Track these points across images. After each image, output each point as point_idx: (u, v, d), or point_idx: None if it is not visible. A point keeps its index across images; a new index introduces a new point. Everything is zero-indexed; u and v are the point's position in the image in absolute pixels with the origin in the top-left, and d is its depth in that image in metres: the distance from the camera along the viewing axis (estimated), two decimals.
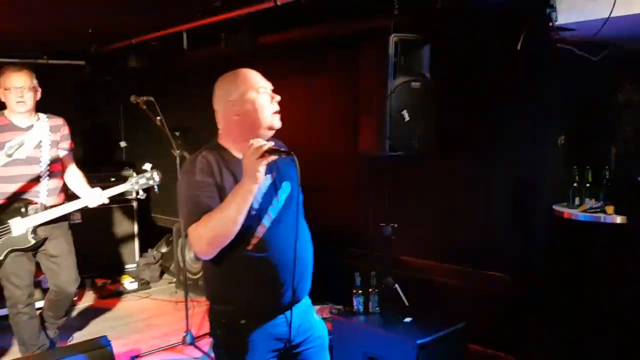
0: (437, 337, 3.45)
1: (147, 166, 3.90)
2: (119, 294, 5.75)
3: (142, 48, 5.95)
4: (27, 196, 3.70)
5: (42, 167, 3.74)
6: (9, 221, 3.64)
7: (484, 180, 3.95)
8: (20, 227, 3.63)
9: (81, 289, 5.70)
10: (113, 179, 5.38)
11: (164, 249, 6.44)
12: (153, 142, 4.58)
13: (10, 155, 3.05)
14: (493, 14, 3.47)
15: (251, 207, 2.04)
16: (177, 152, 4.28)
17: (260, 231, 2.10)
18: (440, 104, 3.85)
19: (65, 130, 3.94)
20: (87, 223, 6.05)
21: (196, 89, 6.10)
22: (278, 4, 4.16)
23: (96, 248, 6.14)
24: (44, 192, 3.77)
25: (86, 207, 3.81)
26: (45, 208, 3.72)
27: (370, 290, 3.87)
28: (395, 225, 4.21)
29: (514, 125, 3.75)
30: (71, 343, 4.30)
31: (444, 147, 3.95)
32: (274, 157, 1.98)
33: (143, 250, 6.44)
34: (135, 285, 5.87)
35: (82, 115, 7.24)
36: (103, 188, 3.87)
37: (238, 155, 2.13)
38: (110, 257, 6.29)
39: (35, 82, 3.78)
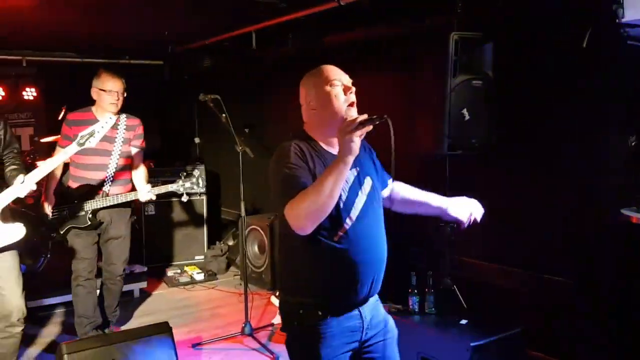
0: (492, 341, 3.38)
1: (196, 172, 4.22)
2: (187, 283, 5.97)
3: (215, 48, 6.18)
4: (95, 183, 4.13)
5: (112, 159, 4.15)
6: (74, 202, 4.10)
7: (547, 181, 3.82)
8: (81, 209, 4.09)
9: (152, 277, 6.03)
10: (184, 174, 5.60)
11: (230, 242, 6.65)
12: (224, 138, 4.76)
13: (81, 144, 3.31)
14: (558, 11, 3.37)
15: (339, 198, 2.07)
16: (240, 148, 4.42)
17: (347, 223, 2.12)
18: (502, 103, 3.77)
19: (140, 130, 4.32)
20: (160, 215, 6.40)
21: (264, 87, 6.29)
22: (342, 4, 4.21)
23: (167, 239, 6.46)
24: (109, 181, 4.17)
25: (137, 199, 4.22)
26: (106, 195, 4.12)
27: (426, 290, 3.85)
28: (455, 226, 4.16)
29: (579, 125, 3.60)
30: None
31: (505, 146, 3.85)
32: (368, 128, 1.97)
33: (211, 242, 6.66)
34: (202, 276, 6.07)
35: (160, 112, 7.61)
36: (165, 184, 4.27)
37: (324, 145, 2.22)
38: (180, 248, 6.53)
39: (124, 87, 4.22)
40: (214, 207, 6.99)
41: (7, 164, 3.32)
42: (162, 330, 3.45)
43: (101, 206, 4.10)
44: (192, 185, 4.18)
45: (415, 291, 3.83)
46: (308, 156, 2.14)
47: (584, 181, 3.61)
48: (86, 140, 3.30)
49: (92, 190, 4.12)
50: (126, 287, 5.38)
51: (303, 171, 2.09)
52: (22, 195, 3.19)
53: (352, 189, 2.18)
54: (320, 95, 2.21)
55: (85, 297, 4.23)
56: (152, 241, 6.35)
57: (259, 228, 5.74)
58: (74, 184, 4.17)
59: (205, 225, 6.60)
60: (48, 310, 5.09)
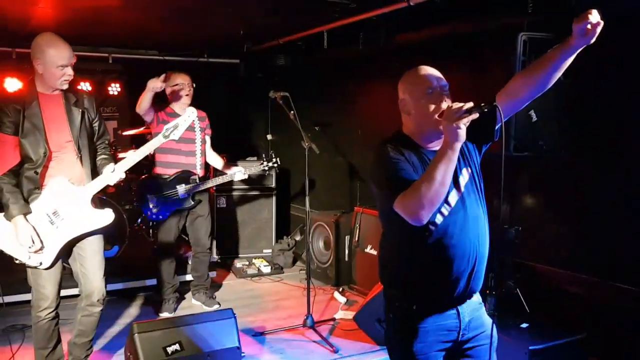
0: (552, 346, 3.35)
1: (271, 152, 5.02)
2: (254, 275, 6.16)
3: (289, 47, 6.33)
4: (188, 168, 4.78)
5: (196, 146, 4.82)
6: (176, 186, 4.72)
7: (618, 185, 3.69)
8: (184, 192, 4.73)
9: (221, 268, 6.29)
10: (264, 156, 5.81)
11: (297, 237, 6.79)
12: (294, 135, 4.91)
13: (166, 137, 3.56)
14: (631, 11, 3.26)
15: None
16: (307, 144, 4.54)
17: (438, 218, 2.10)
18: (572, 104, 3.68)
19: (207, 120, 4.98)
20: (230, 208, 6.64)
21: (336, 86, 6.39)
22: (411, 4, 4.24)
23: (237, 232, 6.69)
24: (199, 165, 4.85)
25: (231, 180, 4.95)
26: (201, 179, 4.81)
27: (487, 292, 3.82)
28: (520, 229, 4.10)
29: None
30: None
31: (574, 149, 3.75)
32: (475, 115, 1.94)
33: (279, 237, 6.85)
34: (269, 269, 6.25)
35: (235, 109, 7.86)
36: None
37: (422, 144, 2.22)
38: (249, 241, 6.75)
39: (191, 79, 4.81)
40: (284, 202, 7.15)
41: (98, 154, 3.54)
42: (227, 316, 3.61)
43: (200, 189, 4.76)
44: (273, 164, 4.94)
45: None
46: (406, 153, 2.15)
47: None
48: (171, 132, 3.53)
49: (187, 175, 4.74)
50: None
51: (407, 164, 2.11)
52: (112, 183, 3.38)
53: (464, 178, 2.17)
54: (414, 103, 2.20)
55: (169, 266, 4.90)
56: (223, 233, 6.59)
57: (324, 224, 5.85)
58: (169, 171, 4.75)
59: (274, 220, 6.78)
60: (127, 293, 5.43)
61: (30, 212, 3.23)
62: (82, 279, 3.45)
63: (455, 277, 2.14)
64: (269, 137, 7.85)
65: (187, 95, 4.72)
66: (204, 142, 4.90)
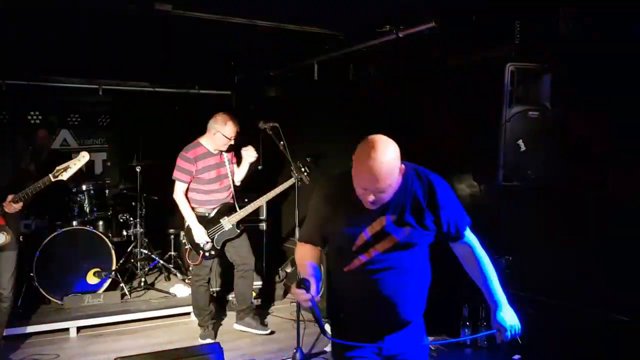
0: None
1: (299, 163, 4.87)
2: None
3: (280, 79, 6.38)
4: (226, 201, 4.95)
5: (229, 180, 4.97)
6: (220, 220, 4.85)
7: (607, 212, 3.67)
8: (228, 223, 4.86)
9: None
10: (246, 200, 5.74)
11: (288, 269, 6.70)
12: (286, 167, 4.93)
13: (56, 177, 3.90)
14: (617, 45, 3.30)
15: (355, 238, 2.21)
16: (296, 175, 4.53)
17: (354, 263, 2.24)
18: (560, 133, 3.70)
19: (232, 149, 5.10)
20: None
21: (327, 117, 6.40)
22: (400, 35, 4.29)
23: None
24: (233, 196, 5.00)
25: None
26: (238, 207, 4.96)
27: (479, 322, 3.77)
28: (510, 259, 4.08)
29: None
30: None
31: (564, 178, 3.75)
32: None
33: (269, 269, 6.71)
34: (259, 302, 6.13)
35: None
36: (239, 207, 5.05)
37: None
38: None
39: None
40: (275, 235, 7.07)
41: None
42: (213, 351, 3.53)
43: (241, 217, 4.90)
44: (300, 175, 4.75)
45: (467, 323, 3.77)
46: (340, 198, 2.21)
47: None
48: (60, 173, 3.89)
49: (227, 207, 4.92)
50: (186, 309, 5.58)
51: (319, 219, 2.31)
52: (6, 210, 3.85)
53: (376, 235, 2.20)
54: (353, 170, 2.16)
55: (205, 294, 5.04)
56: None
57: None
58: (211, 208, 4.86)
59: (264, 252, 6.68)
60: (106, 327, 5.32)
61: None
62: None
63: (365, 318, 2.29)
64: (260, 168, 7.81)
65: (229, 145, 4.86)
66: (232, 174, 5.00)
